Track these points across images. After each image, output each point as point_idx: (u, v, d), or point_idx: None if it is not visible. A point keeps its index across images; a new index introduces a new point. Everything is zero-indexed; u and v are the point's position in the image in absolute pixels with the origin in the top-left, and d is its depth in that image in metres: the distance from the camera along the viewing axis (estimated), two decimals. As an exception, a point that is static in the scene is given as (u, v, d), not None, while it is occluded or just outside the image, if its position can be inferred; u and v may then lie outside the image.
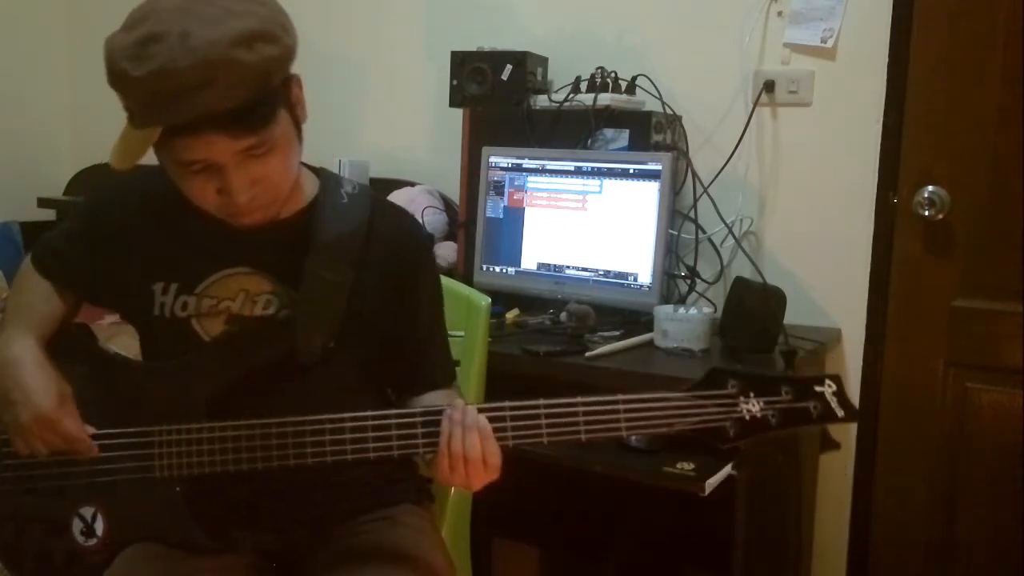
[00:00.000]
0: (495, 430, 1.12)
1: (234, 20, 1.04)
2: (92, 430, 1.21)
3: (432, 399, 1.28)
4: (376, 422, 1.15)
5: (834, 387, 1.13)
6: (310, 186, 1.29)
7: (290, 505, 1.28)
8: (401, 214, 1.39)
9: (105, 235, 1.29)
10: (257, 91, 1.06)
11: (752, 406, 1.12)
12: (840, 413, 1.12)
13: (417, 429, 1.14)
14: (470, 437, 1.11)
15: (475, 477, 1.12)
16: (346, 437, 1.15)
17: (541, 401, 1.13)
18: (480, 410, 1.13)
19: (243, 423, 1.17)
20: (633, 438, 1.84)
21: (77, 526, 1.24)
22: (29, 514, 1.26)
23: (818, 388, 1.12)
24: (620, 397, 1.12)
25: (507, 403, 1.13)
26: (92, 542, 1.24)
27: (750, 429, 1.11)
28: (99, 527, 1.24)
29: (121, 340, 1.43)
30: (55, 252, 1.33)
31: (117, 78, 1.05)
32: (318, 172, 1.33)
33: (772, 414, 1.12)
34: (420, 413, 1.15)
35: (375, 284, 1.27)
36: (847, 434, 2.19)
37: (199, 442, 1.18)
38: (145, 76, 1.02)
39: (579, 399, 1.12)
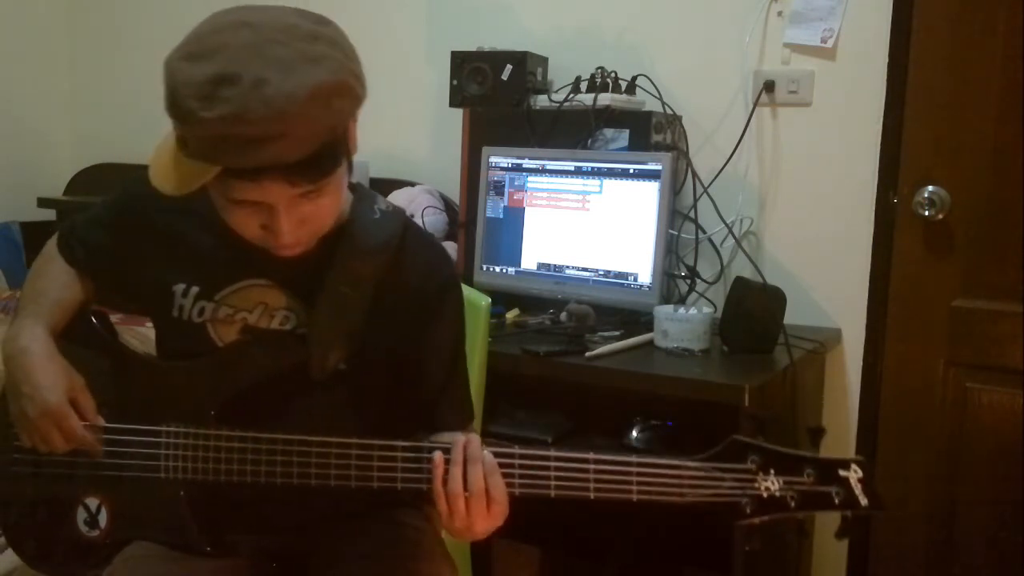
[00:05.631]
0: (503, 476, 1.09)
1: (311, 69, 0.99)
2: (102, 422, 1.21)
3: (443, 439, 1.22)
4: (382, 452, 1.13)
5: (860, 473, 1.06)
6: (344, 202, 1.25)
7: (291, 508, 1.27)
8: (432, 245, 1.35)
9: (134, 228, 1.27)
10: (325, 143, 1.03)
11: (771, 484, 1.06)
12: (863, 502, 1.05)
13: (423, 464, 1.12)
14: (473, 470, 1.09)
15: (477, 515, 1.09)
16: (351, 463, 1.13)
17: (552, 453, 1.10)
18: (494, 453, 1.10)
19: (251, 435, 1.16)
20: (633, 435, 1.85)
21: (81, 515, 1.25)
22: (34, 496, 1.26)
23: (843, 472, 1.06)
24: (634, 460, 1.08)
25: (517, 450, 1.11)
26: (95, 533, 1.24)
27: (767, 508, 1.06)
28: (103, 519, 1.24)
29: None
30: (81, 238, 1.32)
31: (183, 116, 0.99)
32: (352, 187, 1.28)
33: (792, 496, 1.05)
34: (427, 448, 1.13)
35: (396, 309, 1.24)
36: (847, 434, 2.19)
37: (206, 448, 1.18)
38: (215, 119, 0.96)
39: (591, 455, 1.08)
